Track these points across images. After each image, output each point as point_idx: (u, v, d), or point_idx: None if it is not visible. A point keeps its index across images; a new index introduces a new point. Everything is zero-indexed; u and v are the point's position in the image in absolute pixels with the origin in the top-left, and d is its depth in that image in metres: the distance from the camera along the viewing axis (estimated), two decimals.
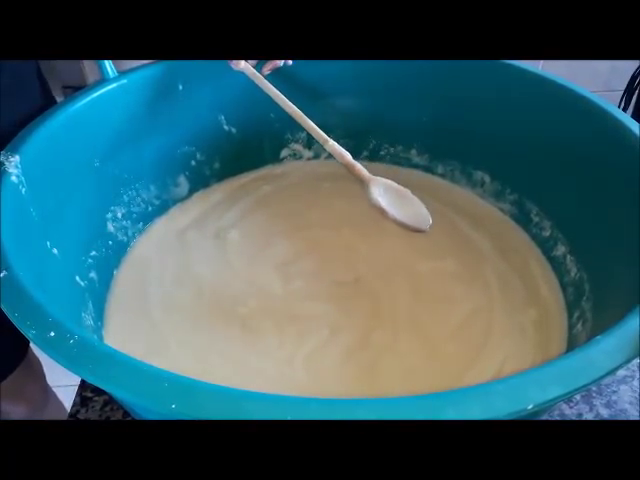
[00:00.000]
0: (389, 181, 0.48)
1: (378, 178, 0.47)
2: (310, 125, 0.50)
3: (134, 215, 0.57)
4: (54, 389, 0.77)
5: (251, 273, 0.53)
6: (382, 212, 0.46)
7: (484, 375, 0.44)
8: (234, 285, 0.52)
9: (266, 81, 0.52)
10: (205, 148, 0.62)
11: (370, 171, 0.47)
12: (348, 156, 0.48)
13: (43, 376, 0.71)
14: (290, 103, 0.50)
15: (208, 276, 0.53)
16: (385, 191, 0.47)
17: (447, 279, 0.52)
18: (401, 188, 0.48)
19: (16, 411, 0.68)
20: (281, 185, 0.64)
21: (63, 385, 0.77)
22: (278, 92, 0.51)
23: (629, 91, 1.10)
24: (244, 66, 0.52)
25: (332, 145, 0.48)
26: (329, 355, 0.45)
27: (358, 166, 0.48)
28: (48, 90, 0.56)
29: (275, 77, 0.55)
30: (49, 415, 0.72)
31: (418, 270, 0.53)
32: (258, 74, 0.53)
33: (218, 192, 0.63)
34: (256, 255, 0.55)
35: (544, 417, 0.44)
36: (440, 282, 0.52)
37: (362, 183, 0.47)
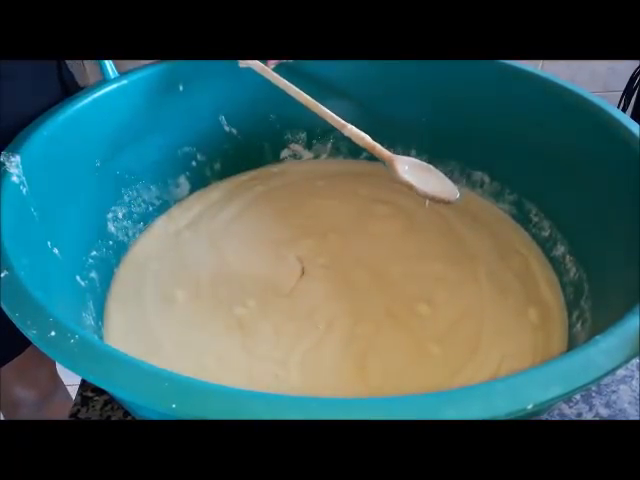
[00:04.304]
0: (412, 158, 0.49)
1: (400, 156, 0.48)
2: (326, 112, 0.50)
3: (135, 215, 0.57)
4: None
5: (246, 274, 0.53)
6: (410, 188, 0.47)
7: (481, 374, 0.44)
8: (231, 285, 0.52)
9: (275, 74, 0.52)
10: (206, 149, 0.62)
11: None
12: (367, 138, 0.49)
13: (53, 362, 0.72)
14: (303, 93, 0.51)
15: (206, 276, 0.53)
16: (410, 167, 0.48)
17: (443, 280, 0.52)
18: (423, 163, 0.49)
19: (27, 396, 0.69)
20: (274, 185, 0.64)
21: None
22: (289, 83, 0.51)
23: (628, 92, 1.10)
24: (251, 61, 0.52)
25: (351, 129, 0.49)
26: (323, 356, 0.45)
27: (378, 147, 0.49)
28: (69, 88, 0.56)
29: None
30: (58, 402, 0.73)
31: (412, 272, 0.53)
32: (266, 68, 0.52)
33: (217, 191, 0.63)
34: (249, 256, 0.55)
35: (544, 417, 0.45)
36: (435, 283, 0.52)
37: (385, 162, 0.48)
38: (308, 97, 0.50)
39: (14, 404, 0.70)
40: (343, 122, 0.49)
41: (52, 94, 0.53)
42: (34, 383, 0.69)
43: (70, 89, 0.55)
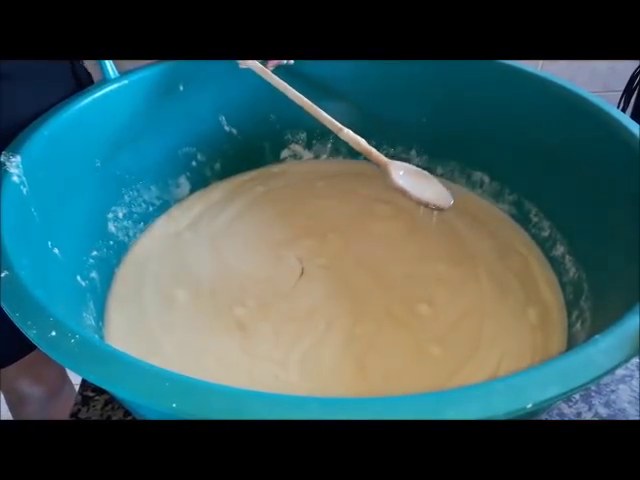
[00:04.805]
0: (407, 164, 0.49)
1: (396, 162, 0.48)
2: (323, 115, 0.50)
3: (135, 215, 0.57)
4: None
5: (246, 274, 0.53)
6: (404, 193, 0.47)
7: (481, 374, 0.44)
8: (231, 285, 0.52)
9: (275, 76, 0.52)
10: (206, 149, 0.62)
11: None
12: (364, 142, 0.49)
13: None
14: (301, 95, 0.51)
15: (206, 276, 0.53)
16: (405, 173, 0.48)
17: (444, 280, 0.52)
18: (419, 169, 0.49)
19: (35, 392, 0.69)
20: (274, 186, 0.64)
21: None
22: (288, 86, 0.51)
23: (628, 91, 1.10)
24: (251, 63, 0.53)
25: (347, 133, 0.49)
26: (323, 356, 0.45)
27: (375, 152, 0.49)
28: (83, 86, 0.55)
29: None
30: (65, 400, 0.73)
31: (412, 272, 0.53)
32: (266, 69, 0.53)
33: (217, 191, 0.63)
34: (249, 256, 0.55)
35: (543, 416, 0.45)
36: (435, 283, 0.52)
37: (380, 167, 0.48)
38: (306, 100, 0.50)
39: (21, 400, 0.70)
40: (340, 126, 0.49)
41: (66, 93, 0.52)
42: (41, 380, 0.69)
43: (84, 87, 0.55)
